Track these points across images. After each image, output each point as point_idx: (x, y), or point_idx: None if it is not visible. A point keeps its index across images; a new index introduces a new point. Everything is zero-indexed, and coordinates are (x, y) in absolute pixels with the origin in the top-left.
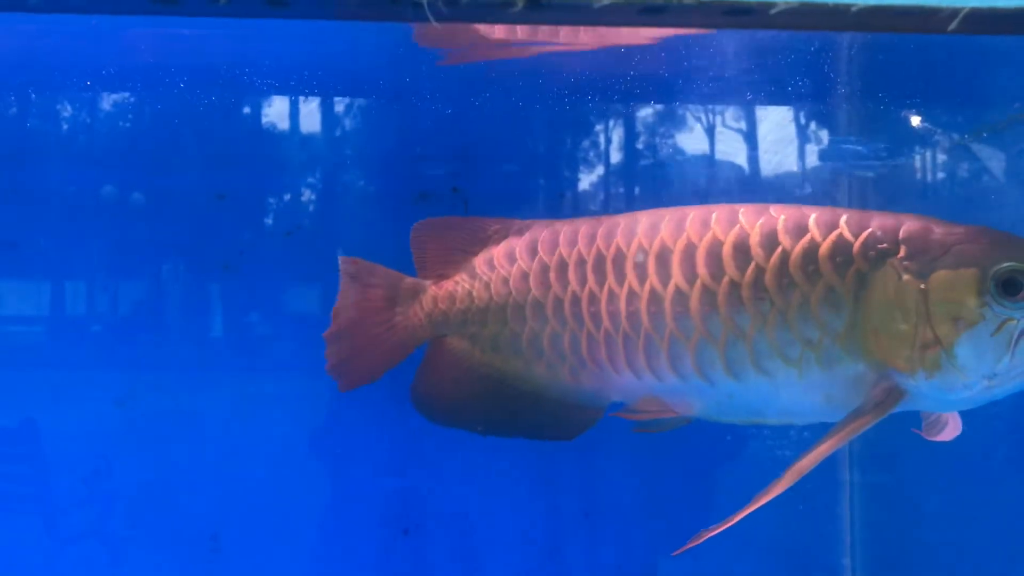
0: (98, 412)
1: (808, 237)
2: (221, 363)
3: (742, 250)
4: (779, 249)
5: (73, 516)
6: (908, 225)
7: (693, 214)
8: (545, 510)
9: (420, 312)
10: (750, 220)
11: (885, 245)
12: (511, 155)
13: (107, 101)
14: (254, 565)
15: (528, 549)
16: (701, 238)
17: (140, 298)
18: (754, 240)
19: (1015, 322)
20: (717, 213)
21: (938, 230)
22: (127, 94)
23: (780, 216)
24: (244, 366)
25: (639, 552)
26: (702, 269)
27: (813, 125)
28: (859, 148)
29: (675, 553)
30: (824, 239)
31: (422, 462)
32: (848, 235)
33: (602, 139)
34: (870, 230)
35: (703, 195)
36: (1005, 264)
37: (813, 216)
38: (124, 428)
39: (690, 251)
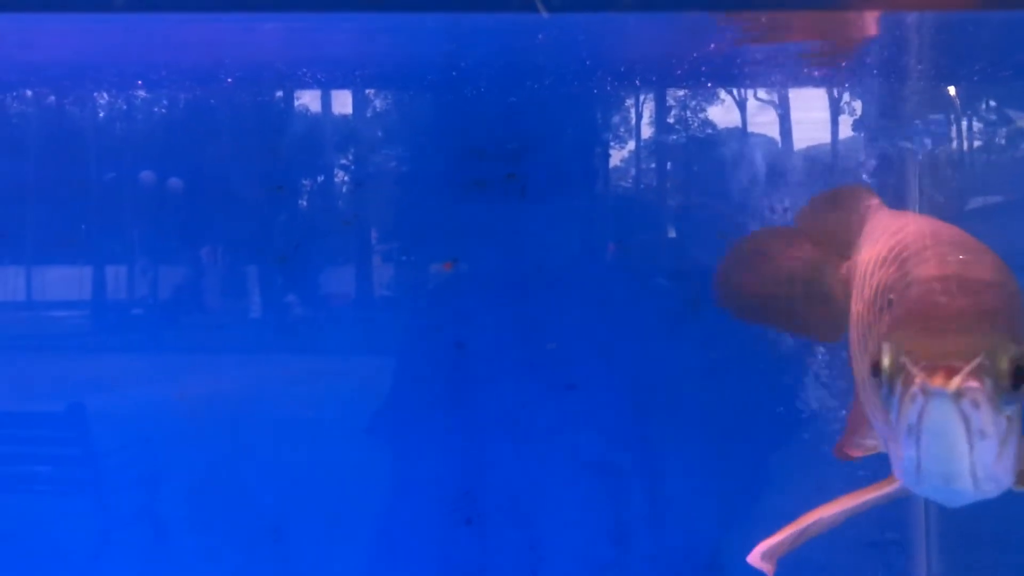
0: (160, 400)
1: None
2: (279, 353)
3: None
4: None
5: (123, 499)
6: None
7: None
8: (609, 498)
9: None
10: None
11: None
12: (567, 141)
13: (163, 97)
14: (315, 555)
15: (592, 538)
16: None
17: (200, 287)
18: None
19: None
20: None
21: None
22: (182, 90)
23: None
24: (302, 357)
25: (705, 540)
26: None
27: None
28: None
29: (749, 559)
30: None
31: (484, 451)
32: None
33: (659, 123)
34: None
35: (777, 182)
36: None
37: None
38: (181, 417)
39: None
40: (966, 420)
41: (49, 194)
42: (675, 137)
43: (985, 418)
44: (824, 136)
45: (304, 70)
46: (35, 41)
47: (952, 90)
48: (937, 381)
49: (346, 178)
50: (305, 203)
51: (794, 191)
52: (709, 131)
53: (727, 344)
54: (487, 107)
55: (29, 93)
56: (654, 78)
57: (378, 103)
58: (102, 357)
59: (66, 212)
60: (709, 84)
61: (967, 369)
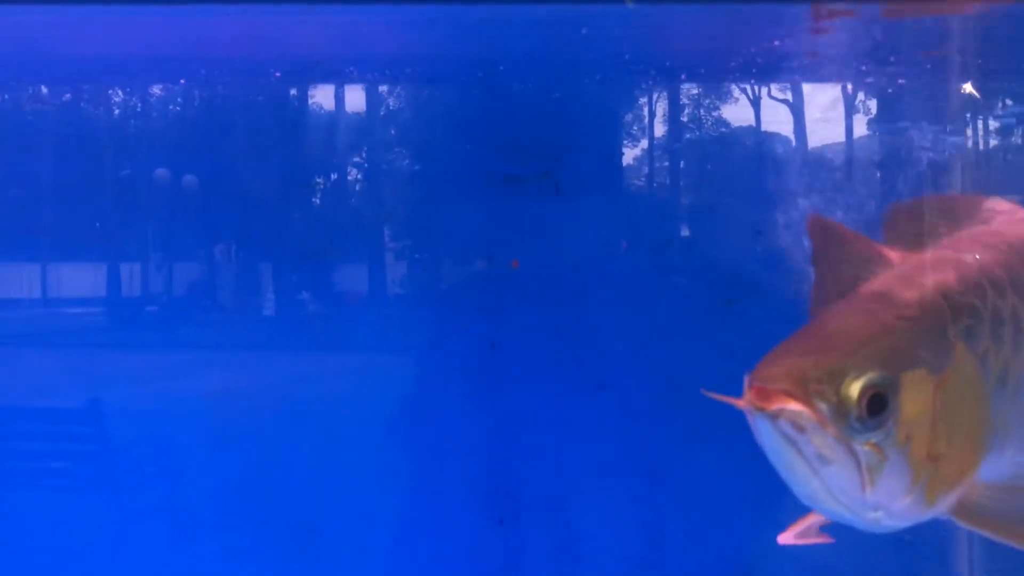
0: (199, 395)
1: None
2: (312, 351)
3: None
4: None
5: (141, 494)
6: None
7: None
8: (643, 498)
9: None
10: None
11: None
12: (604, 138)
13: (199, 93)
14: (344, 555)
15: (626, 538)
16: None
17: (238, 283)
18: None
19: None
20: None
21: None
22: (221, 86)
23: None
24: (335, 354)
25: (740, 541)
26: None
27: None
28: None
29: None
30: None
31: (516, 450)
32: None
33: (700, 119)
34: None
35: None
36: None
37: None
38: (217, 417)
39: None
40: (793, 443)
41: (90, 191)
42: (717, 135)
43: (818, 442)
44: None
45: (346, 66)
46: (79, 36)
47: None
48: (754, 402)
49: (382, 174)
50: (342, 199)
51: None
52: (752, 128)
53: (762, 343)
54: (525, 103)
55: (62, 91)
56: (701, 71)
57: (415, 99)
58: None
59: (113, 209)
60: (756, 80)
61: (783, 390)
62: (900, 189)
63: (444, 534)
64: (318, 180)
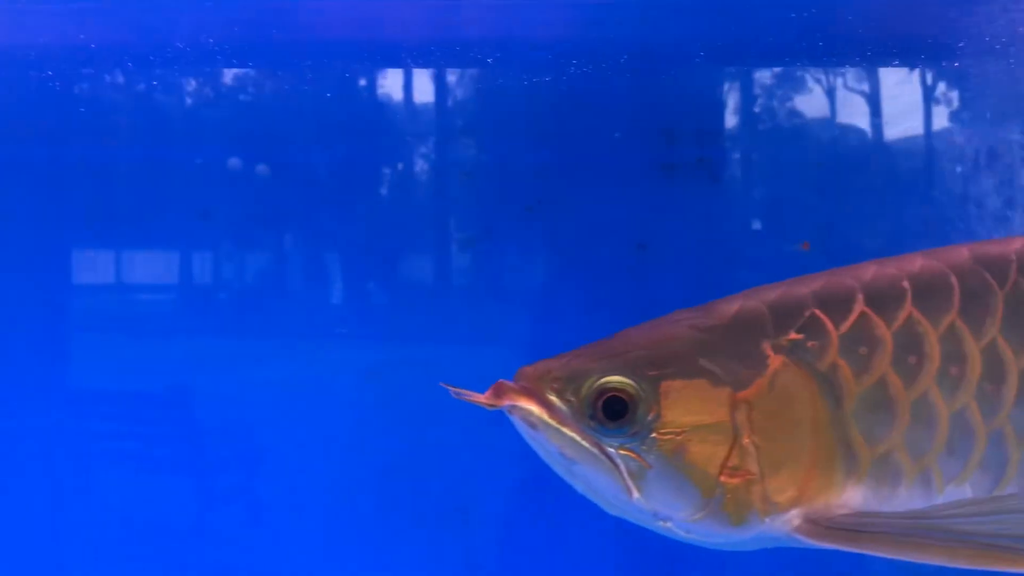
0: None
1: None
2: (458, 342)
3: None
4: None
5: (222, 478)
6: None
7: None
8: None
9: None
10: None
11: None
12: (762, 124)
13: (345, 80)
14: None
15: None
16: None
17: (385, 272)
18: None
19: None
20: None
21: None
22: (365, 72)
23: None
24: (479, 347)
25: None
26: None
27: None
28: None
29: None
30: None
31: None
32: None
33: (859, 105)
34: None
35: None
36: None
37: None
38: (294, 402)
39: None
40: (533, 439)
41: (163, 178)
42: (878, 121)
43: (558, 440)
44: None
45: (495, 52)
46: (152, 25)
47: None
48: (488, 397)
49: (532, 162)
50: (494, 187)
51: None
52: (928, 117)
53: None
54: (680, 89)
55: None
56: (868, 54)
57: (565, 85)
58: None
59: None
60: (924, 65)
61: (521, 387)
62: None
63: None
64: (470, 171)
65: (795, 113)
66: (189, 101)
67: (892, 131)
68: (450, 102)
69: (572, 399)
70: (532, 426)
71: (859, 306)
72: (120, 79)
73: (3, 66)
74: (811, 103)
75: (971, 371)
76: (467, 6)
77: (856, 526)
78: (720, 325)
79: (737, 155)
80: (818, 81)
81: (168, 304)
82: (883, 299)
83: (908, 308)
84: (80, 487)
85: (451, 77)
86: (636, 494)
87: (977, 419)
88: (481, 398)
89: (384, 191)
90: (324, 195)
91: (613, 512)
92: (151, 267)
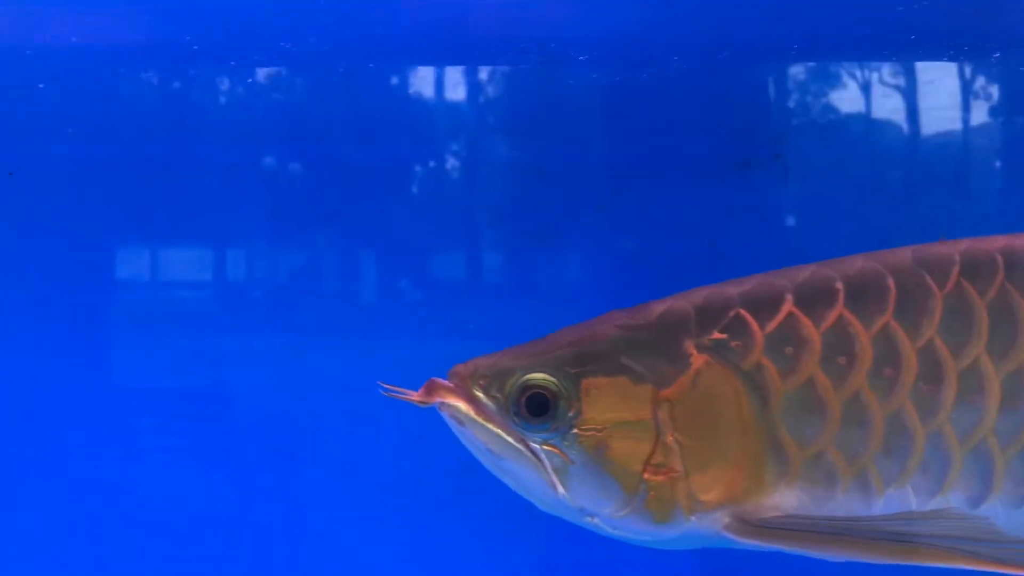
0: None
1: None
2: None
3: None
4: None
5: (259, 473)
6: None
7: None
8: None
9: None
10: None
11: None
12: (833, 120)
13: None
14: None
15: None
16: None
17: (450, 273)
18: None
19: None
20: None
21: None
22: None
23: None
24: None
25: None
26: None
27: None
28: None
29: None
30: None
31: None
32: None
33: (944, 101)
34: None
35: None
36: None
37: None
38: (330, 399)
39: None
40: (462, 435)
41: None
42: (967, 120)
43: (483, 436)
44: None
45: (571, 50)
46: (181, 23)
47: None
48: (419, 395)
49: (602, 160)
50: (562, 187)
51: None
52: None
53: None
54: (755, 86)
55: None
56: (950, 49)
57: (638, 82)
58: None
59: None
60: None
61: (450, 385)
62: None
63: None
64: (538, 167)
65: (872, 110)
66: (223, 99)
67: (974, 127)
68: (522, 100)
69: (498, 396)
70: (460, 423)
71: (787, 306)
72: (155, 77)
73: (42, 65)
74: (889, 100)
75: (906, 372)
76: (538, 2)
77: (785, 524)
78: (645, 324)
79: (812, 152)
80: (897, 77)
81: (207, 301)
82: (813, 300)
83: (839, 309)
84: (125, 480)
85: (523, 75)
86: (561, 489)
87: (914, 420)
88: (413, 396)
89: (454, 190)
90: (389, 193)
91: (545, 509)
92: (190, 265)
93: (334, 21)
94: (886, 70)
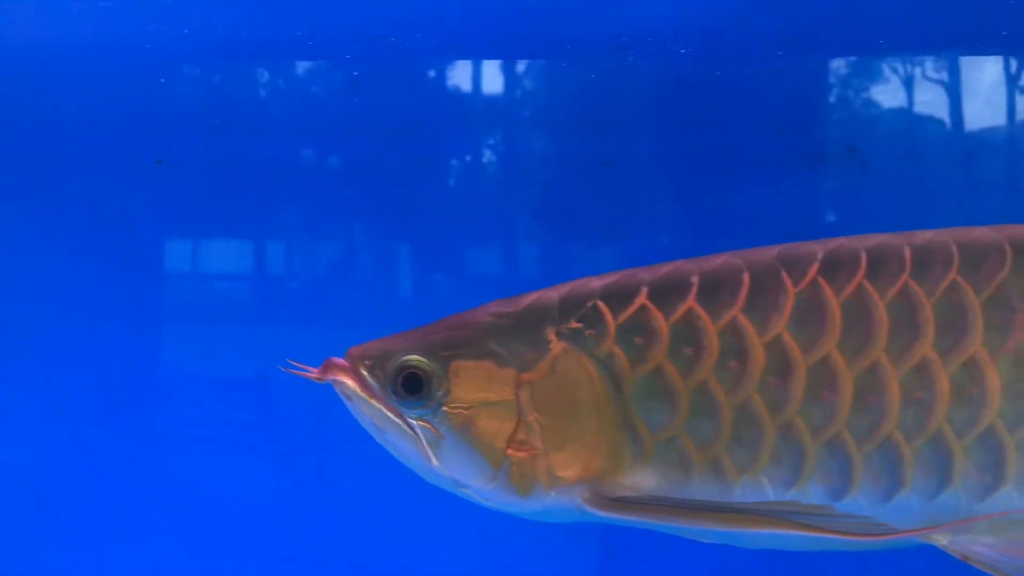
0: None
1: None
2: None
3: None
4: None
5: (300, 462)
6: None
7: None
8: None
9: None
10: None
11: None
12: (910, 113)
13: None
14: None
15: None
16: None
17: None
18: None
19: None
20: None
21: None
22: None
23: None
24: None
25: None
26: None
27: None
28: None
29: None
30: None
31: None
32: None
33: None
34: None
35: None
36: None
37: None
38: None
39: None
40: (354, 410)
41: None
42: None
43: (368, 411)
44: None
45: (642, 43)
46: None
47: None
48: (322, 373)
49: (676, 153)
50: (635, 180)
51: None
52: None
53: None
54: (831, 78)
55: None
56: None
57: (713, 74)
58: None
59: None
60: None
61: (343, 364)
62: None
63: None
64: (610, 161)
65: (948, 102)
66: (262, 93)
67: None
68: (595, 93)
69: (380, 375)
70: (348, 398)
71: (641, 299)
72: (196, 71)
73: (97, 61)
74: (965, 91)
75: (753, 365)
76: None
77: (639, 500)
78: (513, 313)
79: (889, 145)
80: (975, 69)
81: (248, 293)
82: (666, 293)
83: (690, 302)
84: (174, 468)
85: (599, 69)
86: (434, 461)
87: (762, 412)
88: (312, 373)
89: (526, 182)
90: (427, 187)
91: (427, 479)
92: (232, 257)
93: (373, 14)
94: (965, 63)
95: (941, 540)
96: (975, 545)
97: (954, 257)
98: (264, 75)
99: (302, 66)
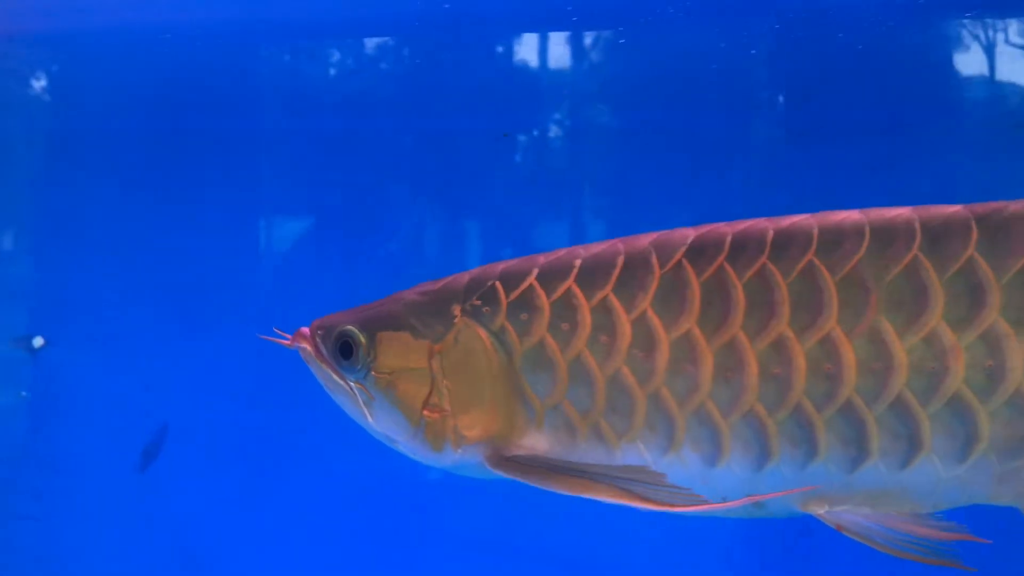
0: None
1: None
2: None
3: None
4: None
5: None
6: None
7: None
8: None
9: None
10: None
11: None
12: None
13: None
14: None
15: None
16: None
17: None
18: None
19: None
20: None
21: None
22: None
23: None
24: None
25: None
26: None
27: None
28: None
29: None
30: None
31: None
32: None
33: None
34: None
35: None
36: None
37: None
38: None
39: None
40: (314, 373)
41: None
42: None
43: (321, 375)
44: None
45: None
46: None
47: None
48: (289, 340)
49: (870, 123)
50: (823, 148)
51: None
52: None
53: None
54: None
55: None
56: None
57: (911, 42)
58: None
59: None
60: None
61: (306, 334)
62: None
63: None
64: (791, 128)
65: None
66: (332, 71)
67: None
68: (769, 61)
69: (328, 343)
70: (307, 362)
71: (530, 280)
72: (263, 51)
73: (139, 43)
74: None
75: (621, 339)
76: None
77: (529, 462)
78: (432, 291)
79: None
80: None
81: (312, 270)
82: (552, 275)
83: (569, 283)
84: (240, 470)
85: (769, 38)
86: (370, 419)
87: (631, 382)
88: (285, 341)
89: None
90: (493, 162)
91: (371, 433)
92: (296, 235)
93: None
94: None
95: (818, 510)
96: (850, 515)
97: (813, 240)
98: (334, 54)
99: (371, 43)
